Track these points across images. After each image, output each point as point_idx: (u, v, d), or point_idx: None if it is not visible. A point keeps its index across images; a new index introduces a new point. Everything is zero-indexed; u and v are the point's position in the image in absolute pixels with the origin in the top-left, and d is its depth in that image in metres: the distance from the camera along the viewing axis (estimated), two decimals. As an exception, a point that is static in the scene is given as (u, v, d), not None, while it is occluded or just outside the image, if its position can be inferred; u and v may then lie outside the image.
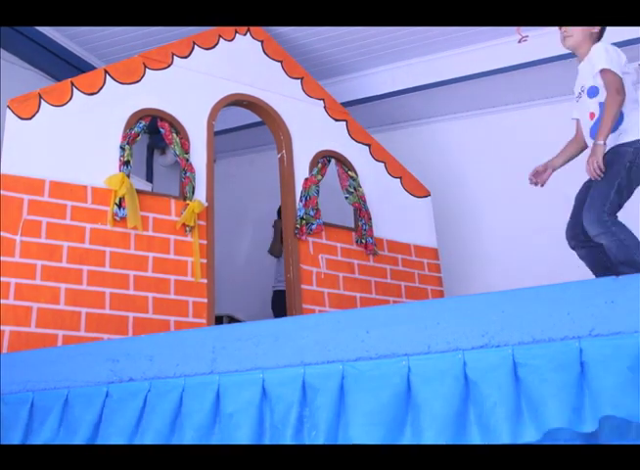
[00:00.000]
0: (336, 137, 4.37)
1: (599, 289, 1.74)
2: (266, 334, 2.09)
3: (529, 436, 1.66)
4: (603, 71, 2.67)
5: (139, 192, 3.53)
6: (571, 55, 2.96)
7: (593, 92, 2.79)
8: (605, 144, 2.60)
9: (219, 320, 4.26)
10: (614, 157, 2.61)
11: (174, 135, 3.74)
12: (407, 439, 1.77)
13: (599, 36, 2.89)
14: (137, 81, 3.71)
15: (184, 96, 3.84)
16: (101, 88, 3.57)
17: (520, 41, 3.85)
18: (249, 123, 5.00)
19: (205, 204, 3.70)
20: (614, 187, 2.56)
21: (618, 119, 2.68)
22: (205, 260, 3.61)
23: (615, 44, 2.80)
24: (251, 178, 5.71)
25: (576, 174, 2.80)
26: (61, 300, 3.15)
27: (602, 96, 2.71)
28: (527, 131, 4.90)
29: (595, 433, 1.65)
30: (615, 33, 3.92)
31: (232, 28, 4.16)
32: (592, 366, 1.64)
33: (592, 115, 2.80)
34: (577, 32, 2.85)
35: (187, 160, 3.72)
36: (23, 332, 3.03)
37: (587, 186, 2.75)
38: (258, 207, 5.51)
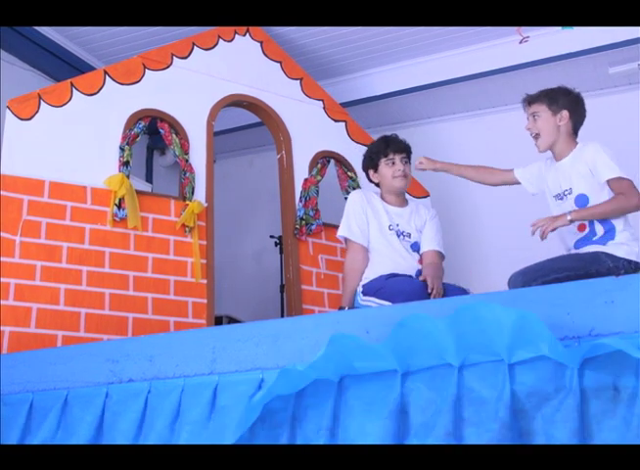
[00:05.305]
0: (335, 138, 4.36)
1: (599, 289, 1.73)
2: (266, 334, 2.08)
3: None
4: (619, 180, 2.40)
5: (139, 192, 3.53)
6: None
7: (583, 201, 2.49)
8: (571, 222, 2.38)
9: (219, 320, 4.26)
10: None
11: (174, 136, 3.74)
12: (408, 439, 1.77)
13: (574, 128, 2.62)
14: (137, 82, 3.71)
15: (184, 96, 3.84)
16: (100, 89, 3.57)
17: (521, 42, 3.85)
18: (248, 124, 5.00)
19: (205, 204, 3.70)
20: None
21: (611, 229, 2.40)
22: (204, 261, 3.61)
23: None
24: (251, 179, 5.71)
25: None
26: (60, 300, 3.15)
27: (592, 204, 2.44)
28: (527, 131, 4.89)
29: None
30: (615, 33, 3.94)
31: (231, 29, 4.16)
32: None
33: (583, 227, 2.49)
34: (546, 130, 2.63)
35: (186, 160, 3.72)
36: (23, 332, 3.03)
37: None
38: (258, 207, 5.51)
